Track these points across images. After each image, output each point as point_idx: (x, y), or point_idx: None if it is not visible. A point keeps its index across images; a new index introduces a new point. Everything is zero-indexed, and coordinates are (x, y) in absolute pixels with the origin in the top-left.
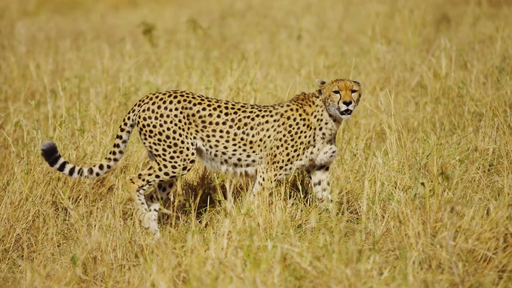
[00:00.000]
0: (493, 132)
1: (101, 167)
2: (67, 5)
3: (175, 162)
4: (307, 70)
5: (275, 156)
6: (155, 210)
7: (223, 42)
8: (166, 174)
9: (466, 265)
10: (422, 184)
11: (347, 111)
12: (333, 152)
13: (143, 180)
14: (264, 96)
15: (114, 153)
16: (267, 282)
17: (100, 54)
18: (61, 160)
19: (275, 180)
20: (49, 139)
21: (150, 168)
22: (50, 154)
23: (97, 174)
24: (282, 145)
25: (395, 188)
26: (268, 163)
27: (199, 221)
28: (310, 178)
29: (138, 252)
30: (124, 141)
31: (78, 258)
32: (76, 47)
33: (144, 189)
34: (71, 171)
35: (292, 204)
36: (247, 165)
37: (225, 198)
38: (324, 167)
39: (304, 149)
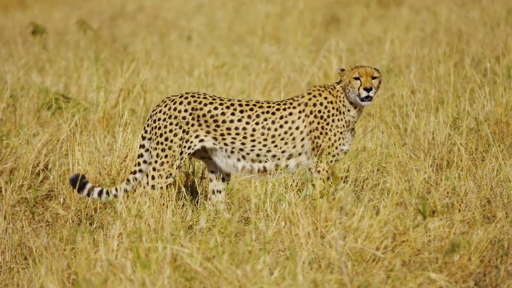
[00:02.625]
0: (380, 133)
1: (128, 181)
2: None
3: (163, 170)
4: (198, 71)
5: (319, 146)
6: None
7: (113, 43)
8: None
9: (355, 265)
10: (313, 185)
11: (368, 98)
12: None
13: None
14: (154, 97)
15: (139, 164)
16: (157, 283)
17: None
18: (88, 186)
19: (330, 167)
20: None
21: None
22: (77, 181)
23: (126, 190)
24: (321, 133)
25: (286, 188)
26: (316, 155)
27: (90, 223)
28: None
29: (27, 255)
30: (147, 150)
31: None
32: None
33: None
34: (100, 193)
35: (183, 205)
36: (266, 161)
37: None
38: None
39: (342, 132)
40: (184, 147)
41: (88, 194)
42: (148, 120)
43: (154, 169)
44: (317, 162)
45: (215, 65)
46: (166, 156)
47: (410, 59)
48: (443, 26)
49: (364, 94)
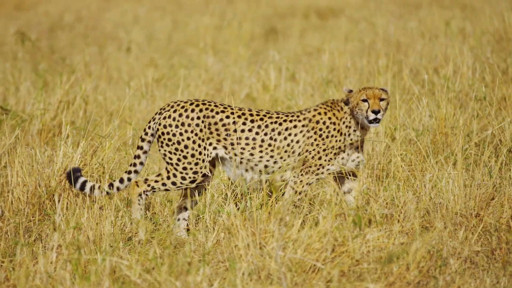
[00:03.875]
0: None
1: (121, 180)
2: None
3: (186, 173)
4: (137, 82)
5: (307, 160)
6: (183, 219)
7: (52, 55)
8: (174, 183)
9: (295, 276)
10: (250, 197)
11: (376, 120)
12: (361, 161)
13: (149, 185)
14: (94, 108)
15: (134, 164)
16: None
17: None
18: (82, 179)
19: (307, 184)
20: None
21: (159, 175)
22: (72, 175)
23: (118, 189)
24: (314, 149)
25: (225, 200)
26: (300, 168)
27: (28, 235)
28: (339, 187)
29: None
30: (145, 152)
31: None
32: None
33: (147, 195)
34: (92, 189)
35: (122, 216)
36: (273, 172)
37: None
38: (353, 175)
39: (335, 154)
40: (204, 154)
41: (82, 188)
42: (149, 123)
43: (176, 170)
44: (299, 174)
45: (155, 77)
46: (189, 163)
47: (349, 70)
48: (381, 37)
49: (372, 116)
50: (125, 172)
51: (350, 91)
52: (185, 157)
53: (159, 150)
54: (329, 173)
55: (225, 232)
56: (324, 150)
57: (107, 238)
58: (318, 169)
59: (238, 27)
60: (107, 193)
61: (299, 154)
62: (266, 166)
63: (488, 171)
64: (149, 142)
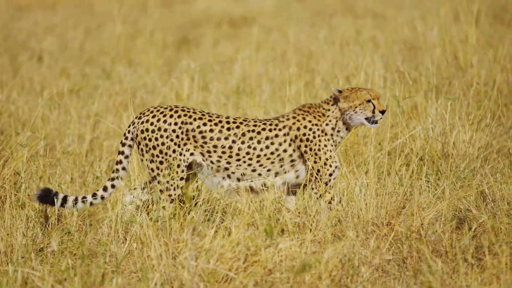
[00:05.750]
0: None
1: (105, 189)
2: None
3: (167, 182)
4: (49, 92)
5: (313, 168)
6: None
7: None
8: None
9: (208, 286)
10: (163, 207)
11: (378, 120)
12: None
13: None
14: (5, 119)
15: (117, 170)
16: None
17: None
18: (61, 196)
19: (330, 187)
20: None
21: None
22: (47, 197)
23: (102, 198)
24: (312, 155)
25: (137, 210)
26: (315, 178)
27: None
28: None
29: None
30: (127, 157)
31: None
32: None
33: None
34: (75, 202)
35: (33, 227)
36: (252, 180)
37: None
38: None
39: (331, 151)
40: (180, 160)
41: (62, 205)
42: (129, 127)
43: (159, 182)
44: (315, 185)
45: (69, 88)
46: (166, 169)
47: (261, 79)
48: (292, 45)
49: (379, 116)
50: (108, 179)
51: (340, 91)
52: (161, 163)
53: (141, 160)
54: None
55: (138, 242)
56: (319, 150)
57: (18, 249)
58: (328, 169)
59: (150, 36)
60: (91, 203)
61: (291, 161)
62: (243, 174)
63: (399, 180)
64: (130, 146)
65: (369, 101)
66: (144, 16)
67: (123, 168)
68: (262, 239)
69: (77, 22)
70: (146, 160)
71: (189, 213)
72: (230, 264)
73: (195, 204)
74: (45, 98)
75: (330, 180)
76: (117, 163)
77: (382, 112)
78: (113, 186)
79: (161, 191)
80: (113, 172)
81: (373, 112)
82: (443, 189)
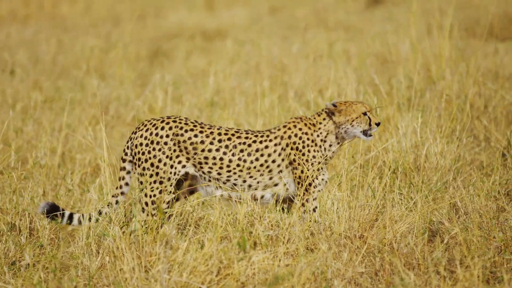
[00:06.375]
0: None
1: (109, 205)
2: None
3: (155, 196)
4: (22, 105)
5: (300, 178)
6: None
7: None
8: (146, 203)
9: None
10: (138, 221)
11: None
12: (326, 180)
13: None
14: None
15: (120, 186)
16: None
17: None
18: (67, 213)
19: (314, 199)
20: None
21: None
22: (53, 212)
23: (107, 214)
24: (299, 164)
25: (110, 223)
26: (299, 189)
27: None
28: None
29: None
30: (129, 172)
31: None
32: None
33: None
34: (80, 220)
35: (6, 240)
36: (243, 190)
37: None
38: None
39: (319, 163)
40: (170, 172)
41: (69, 222)
42: (127, 143)
43: (146, 195)
44: (302, 195)
45: (41, 100)
46: (155, 182)
47: (235, 92)
48: (266, 59)
49: (375, 129)
50: (112, 196)
51: (335, 105)
52: (151, 176)
53: (134, 169)
54: (325, 182)
55: (110, 255)
56: (307, 161)
57: None
58: (313, 181)
59: (124, 49)
60: (96, 220)
61: (279, 172)
62: (234, 185)
63: (372, 193)
64: (130, 161)
65: (365, 114)
66: (117, 29)
67: (126, 184)
68: (235, 252)
69: (50, 35)
70: (138, 174)
71: (161, 226)
72: (203, 277)
73: (168, 217)
74: (17, 110)
75: (314, 192)
76: (119, 179)
77: (378, 124)
78: (117, 202)
79: (146, 203)
80: (116, 188)
81: (369, 124)
82: (416, 202)
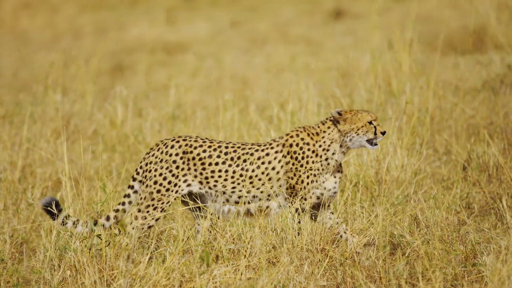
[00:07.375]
0: None
1: (107, 218)
2: None
3: (147, 212)
4: None
5: (293, 187)
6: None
7: None
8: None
9: None
10: (99, 236)
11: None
12: (337, 190)
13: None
14: None
15: (123, 203)
16: None
17: None
18: (63, 215)
19: (303, 211)
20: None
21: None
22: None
23: (103, 226)
24: (294, 174)
25: (72, 237)
26: (290, 197)
27: None
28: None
29: None
30: (136, 191)
31: None
32: None
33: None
34: (75, 224)
35: None
36: (249, 202)
37: None
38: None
39: (315, 175)
40: (172, 191)
41: (63, 223)
42: (141, 163)
43: (138, 210)
44: (291, 202)
45: (2, 114)
46: (152, 200)
47: (196, 106)
48: (227, 72)
49: (380, 138)
50: (113, 210)
51: (340, 113)
52: (151, 193)
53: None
54: (317, 197)
55: (72, 269)
56: (304, 172)
57: None
58: (305, 193)
59: (84, 63)
60: (92, 230)
61: (278, 180)
62: (239, 197)
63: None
64: (140, 181)
65: (370, 122)
66: (78, 43)
67: (130, 202)
68: (197, 265)
69: (10, 49)
70: (141, 190)
71: (123, 240)
72: None
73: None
74: None
75: (304, 204)
76: (125, 196)
77: (383, 133)
78: (115, 217)
79: (136, 217)
80: (119, 204)
81: (375, 133)
82: (377, 215)
